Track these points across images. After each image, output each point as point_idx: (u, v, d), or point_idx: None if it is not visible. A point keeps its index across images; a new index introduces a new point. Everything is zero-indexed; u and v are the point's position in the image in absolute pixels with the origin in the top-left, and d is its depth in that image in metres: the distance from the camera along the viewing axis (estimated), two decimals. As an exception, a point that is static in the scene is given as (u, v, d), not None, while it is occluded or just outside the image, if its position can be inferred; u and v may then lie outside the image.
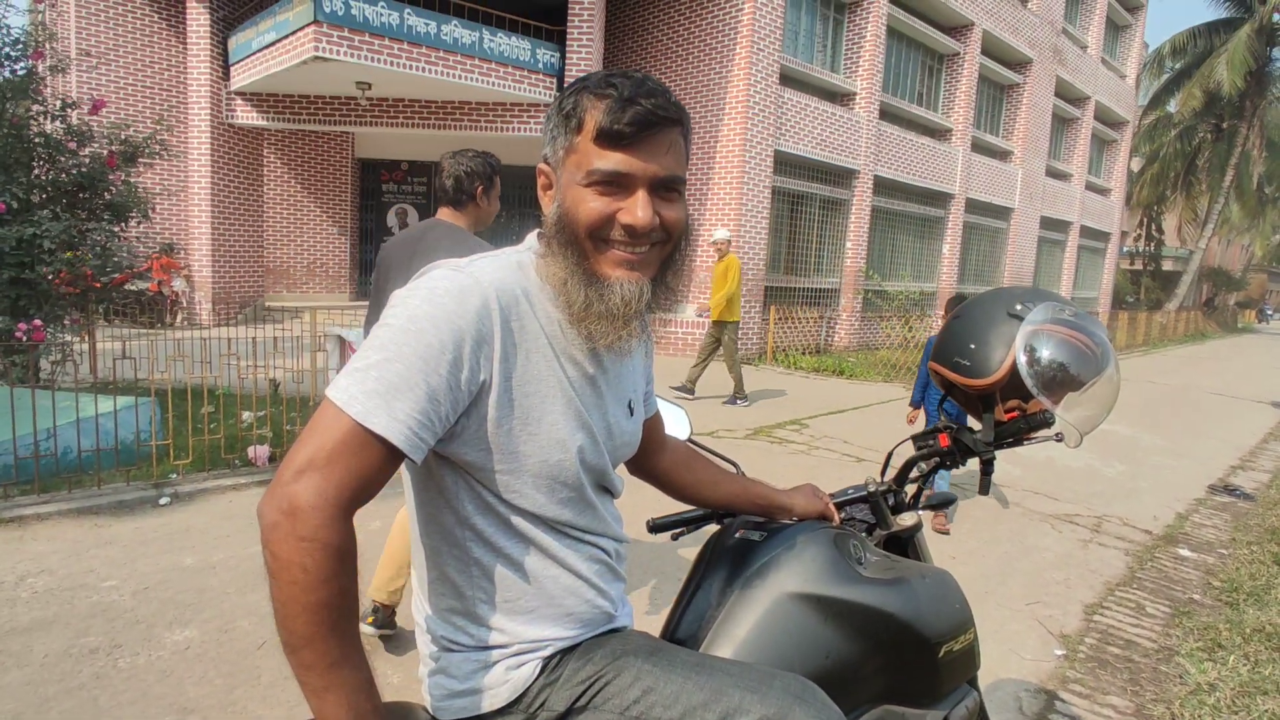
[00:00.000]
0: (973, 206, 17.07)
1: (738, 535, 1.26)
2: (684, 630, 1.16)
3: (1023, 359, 1.25)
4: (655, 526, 1.41)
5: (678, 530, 1.43)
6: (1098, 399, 1.27)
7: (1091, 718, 2.56)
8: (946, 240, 16.31)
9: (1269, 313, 47.00)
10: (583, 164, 0.93)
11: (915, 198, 15.49)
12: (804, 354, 11.86)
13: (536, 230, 1.04)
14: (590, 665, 0.99)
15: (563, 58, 10.93)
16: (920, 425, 4.20)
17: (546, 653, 1.00)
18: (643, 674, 0.97)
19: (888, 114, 14.60)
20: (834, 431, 6.72)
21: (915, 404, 4.29)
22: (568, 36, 10.72)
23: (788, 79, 12.47)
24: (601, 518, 1.05)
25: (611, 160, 0.91)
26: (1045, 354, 1.25)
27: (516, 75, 10.52)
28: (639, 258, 0.95)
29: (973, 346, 1.34)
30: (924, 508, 1.54)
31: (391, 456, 0.83)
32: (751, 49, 11.26)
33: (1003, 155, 18.32)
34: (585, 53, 10.78)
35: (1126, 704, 2.65)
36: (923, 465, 1.50)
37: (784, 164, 12.43)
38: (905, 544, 1.50)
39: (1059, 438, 1.32)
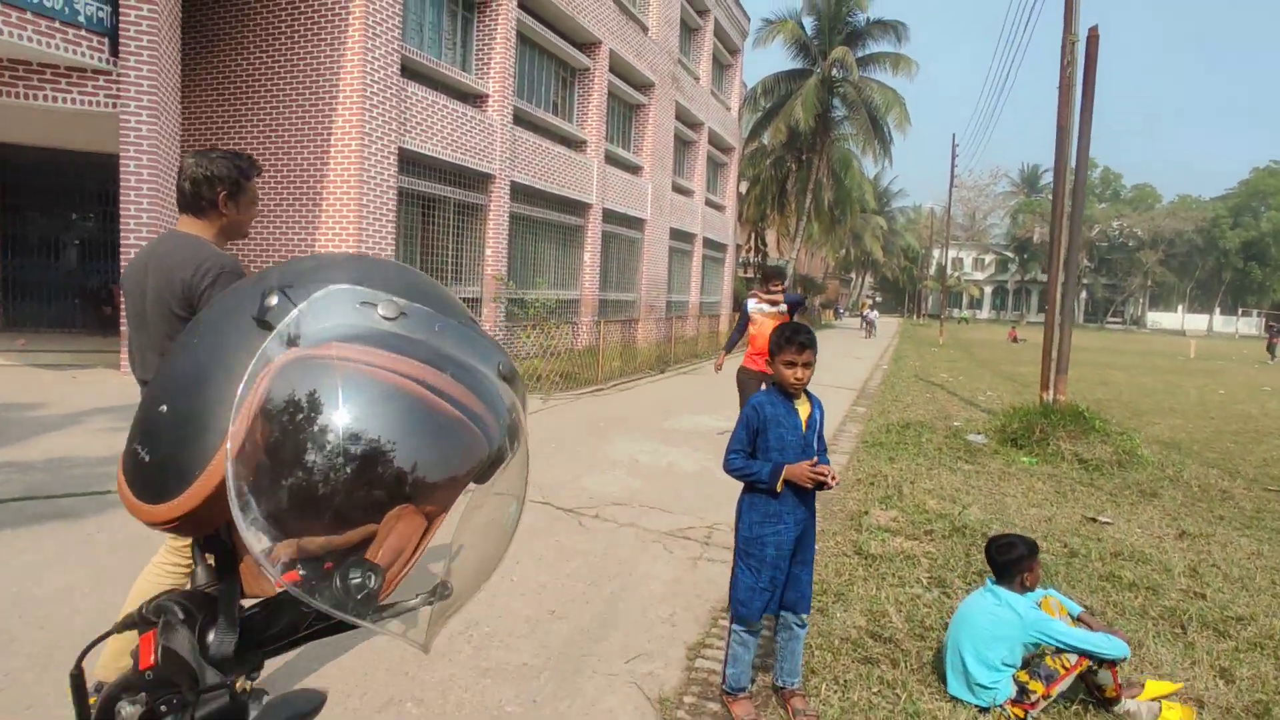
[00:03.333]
0: (609, 216, 17.80)
1: None
2: None
3: (234, 449, 0.53)
4: None
5: None
6: (485, 529, 0.64)
7: (684, 815, 2.13)
8: (587, 249, 16.74)
9: (841, 312, 58.25)
10: None
11: (554, 206, 15.59)
12: (443, 368, 11.00)
13: None
14: None
15: (115, 12, 8.65)
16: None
17: None
18: None
19: (523, 120, 14.44)
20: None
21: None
22: (118, -15, 8.50)
23: (412, 73, 11.53)
24: None
25: None
26: (317, 438, 0.53)
27: (45, 27, 8.02)
28: None
29: (164, 410, 0.59)
30: None
31: None
32: (366, 33, 10.09)
33: (634, 170, 19.47)
34: (148, 8, 8.65)
35: (722, 781, 2.29)
36: None
37: (412, 164, 11.47)
38: None
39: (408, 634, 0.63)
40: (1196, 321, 67.54)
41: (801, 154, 32.06)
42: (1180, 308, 69.54)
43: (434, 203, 12.15)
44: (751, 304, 6.75)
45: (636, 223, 19.56)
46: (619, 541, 4.26)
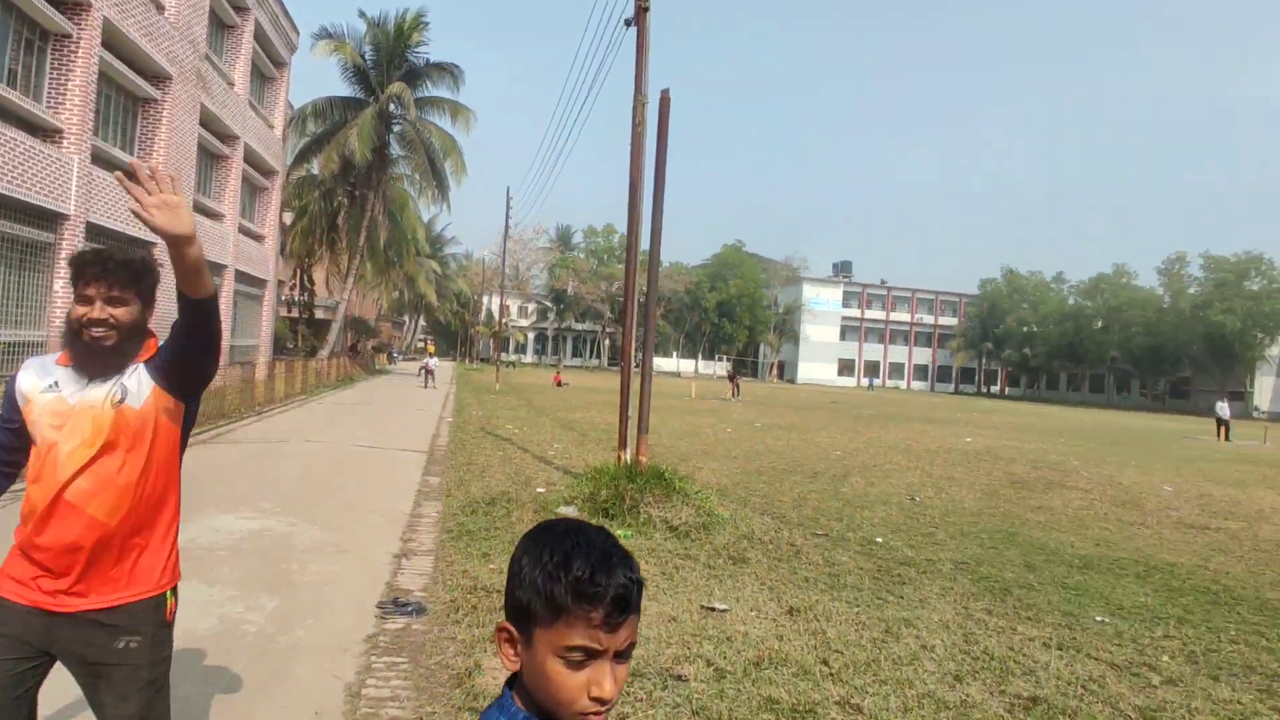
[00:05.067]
0: (99, 233, 13.60)
1: None
2: None
3: None
4: None
5: None
6: None
7: None
8: (59, 275, 12.42)
9: (396, 355, 56.41)
10: None
11: (3, 212, 11.20)
12: None
13: None
14: None
15: None
16: None
17: None
18: None
19: (-52, 84, 10.06)
20: None
21: None
22: None
23: None
24: None
25: None
26: None
27: None
28: None
29: None
30: None
31: None
32: None
33: (139, 178, 15.37)
34: None
35: None
36: None
37: None
38: None
39: None
40: (687, 365, 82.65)
41: (355, 188, 29.95)
42: (675, 353, 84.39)
43: None
44: (26, 377, 1.90)
45: (144, 244, 15.42)
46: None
